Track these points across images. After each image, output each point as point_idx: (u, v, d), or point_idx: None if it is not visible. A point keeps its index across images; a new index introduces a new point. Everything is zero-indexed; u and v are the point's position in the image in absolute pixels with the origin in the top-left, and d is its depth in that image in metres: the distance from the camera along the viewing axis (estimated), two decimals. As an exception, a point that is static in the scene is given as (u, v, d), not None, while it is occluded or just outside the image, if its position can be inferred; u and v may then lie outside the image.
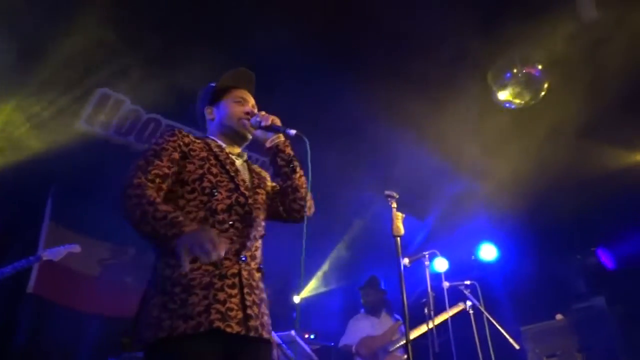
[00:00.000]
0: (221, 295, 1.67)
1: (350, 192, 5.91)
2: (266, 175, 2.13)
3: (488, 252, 6.33)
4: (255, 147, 2.12)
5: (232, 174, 1.89)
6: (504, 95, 4.61)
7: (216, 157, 1.91)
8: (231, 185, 1.85)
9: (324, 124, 4.53)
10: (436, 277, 4.23)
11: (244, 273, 1.76)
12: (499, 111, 4.78)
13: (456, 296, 4.51)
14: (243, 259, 1.77)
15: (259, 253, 1.90)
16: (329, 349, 5.68)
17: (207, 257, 1.48)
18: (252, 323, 1.70)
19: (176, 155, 1.82)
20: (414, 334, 4.52)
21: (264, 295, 1.85)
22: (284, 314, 6.30)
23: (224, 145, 2.01)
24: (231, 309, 1.67)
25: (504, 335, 4.15)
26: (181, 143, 1.86)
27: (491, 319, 4.16)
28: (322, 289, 7.31)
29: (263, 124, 1.98)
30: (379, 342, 4.82)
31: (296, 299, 6.83)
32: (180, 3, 3.81)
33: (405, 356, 4.70)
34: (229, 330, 1.64)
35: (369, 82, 4.48)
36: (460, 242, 6.23)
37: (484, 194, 6.20)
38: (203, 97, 2.14)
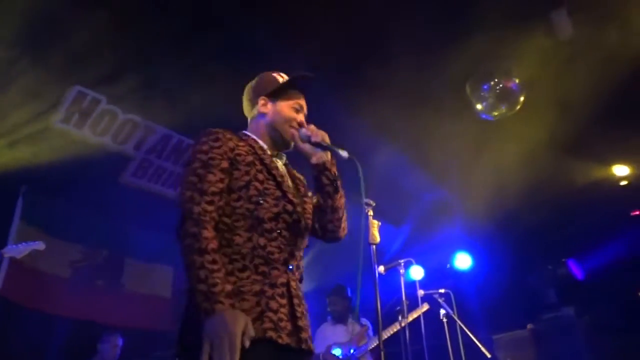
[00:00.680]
0: (273, 304, 1.60)
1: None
2: (304, 180, 2.04)
3: (463, 261, 6.41)
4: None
5: (279, 179, 1.80)
6: (481, 106, 4.69)
7: (262, 161, 1.80)
8: (278, 193, 1.76)
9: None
10: (411, 285, 4.26)
11: (292, 283, 1.70)
12: (474, 123, 4.86)
13: (430, 305, 4.56)
14: (290, 268, 1.71)
15: (302, 263, 1.84)
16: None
17: None
18: (303, 335, 1.66)
19: (225, 164, 1.71)
20: (385, 335, 4.53)
21: (307, 307, 1.80)
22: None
23: (265, 146, 1.90)
24: (281, 319, 1.61)
25: (476, 344, 4.20)
26: (227, 149, 1.73)
27: (464, 327, 4.21)
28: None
29: (312, 139, 1.88)
30: (347, 348, 4.83)
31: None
32: (155, 3, 3.77)
33: (374, 361, 4.74)
34: (280, 341, 1.57)
35: (347, 91, 4.51)
36: (435, 251, 6.30)
37: (459, 204, 6.29)
38: (262, 84, 2.00)
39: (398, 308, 4.19)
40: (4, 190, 5.02)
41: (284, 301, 1.65)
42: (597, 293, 6.05)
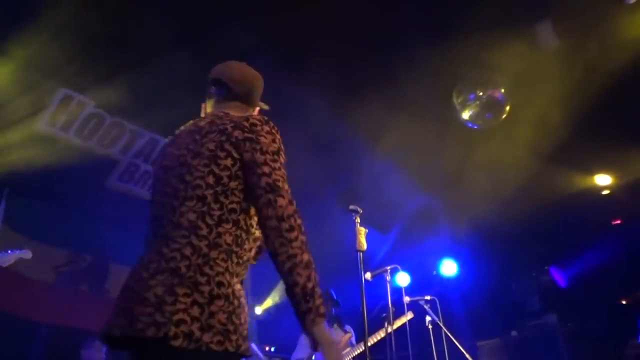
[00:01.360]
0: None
1: (314, 206, 5.92)
2: None
3: (449, 267, 6.46)
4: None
5: None
6: (467, 115, 4.75)
7: None
8: None
9: (288, 138, 4.53)
10: (397, 291, 4.27)
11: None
12: (461, 132, 4.92)
13: (416, 311, 4.58)
14: None
15: None
16: (287, 361, 5.64)
17: None
18: None
19: None
20: (370, 341, 4.52)
21: None
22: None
23: None
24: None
25: (461, 350, 4.23)
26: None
27: (449, 334, 4.23)
28: (283, 301, 7.28)
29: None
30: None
31: (257, 310, 6.78)
32: (144, 8, 3.77)
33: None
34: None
35: (335, 97, 4.54)
36: (422, 258, 6.33)
37: (445, 212, 6.33)
38: (259, 92, 1.96)
39: (384, 315, 4.19)
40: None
41: None
42: (580, 300, 6.13)
